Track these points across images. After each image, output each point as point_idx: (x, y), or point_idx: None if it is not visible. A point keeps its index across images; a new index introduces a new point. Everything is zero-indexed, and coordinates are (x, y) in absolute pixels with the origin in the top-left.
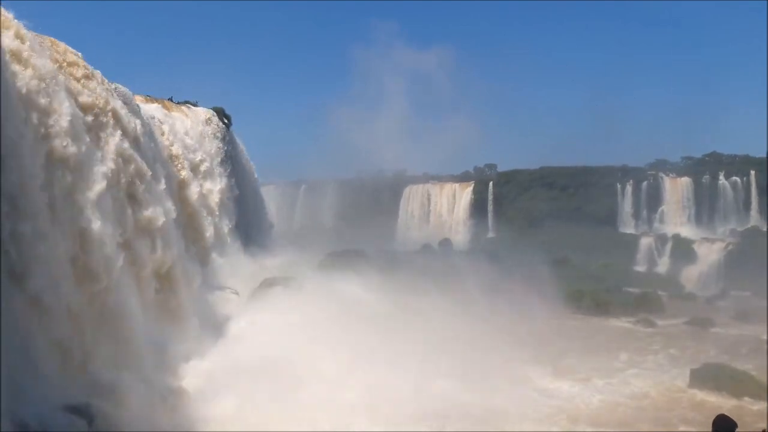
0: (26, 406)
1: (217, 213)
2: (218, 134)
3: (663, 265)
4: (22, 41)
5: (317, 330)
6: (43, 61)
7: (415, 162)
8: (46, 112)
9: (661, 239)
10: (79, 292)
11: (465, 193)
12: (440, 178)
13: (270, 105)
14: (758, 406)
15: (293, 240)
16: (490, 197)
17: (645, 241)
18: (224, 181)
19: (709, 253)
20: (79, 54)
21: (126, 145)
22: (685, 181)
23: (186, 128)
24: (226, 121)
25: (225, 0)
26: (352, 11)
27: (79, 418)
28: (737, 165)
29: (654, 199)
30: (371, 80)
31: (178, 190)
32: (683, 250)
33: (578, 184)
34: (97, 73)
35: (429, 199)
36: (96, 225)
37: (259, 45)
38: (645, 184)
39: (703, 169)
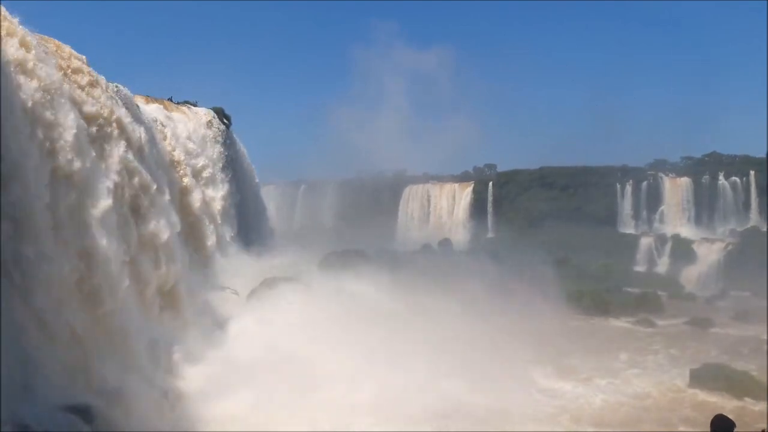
0: (26, 406)
1: (220, 221)
2: (219, 138)
3: (663, 265)
4: (28, 50)
5: (319, 330)
6: (48, 70)
7: (415, 162)
8: (51, 126)
9: (661, 239)
10: (84, 314)
11: (465, 194)
12: (440, 178)
13: (270, 105)
14: (758, 406)
15: (293, 240)
16: (490, 197)
17: (645, 241)
18: (226, 187)
19: (709, 253)
20: (84, 58)
21: (130, 156)
22: (685, 181)
23: (188, 132)
24: (226, 121)
25: (225, 0)
26: (352, 11)
27: (79, 418)
28: (737, 165)
29: (654, 199)
30: (371, 80)
31: (180, 198)
32: (683, 251)
33: (578, 184)
34: (101, 79)
35: (429, 200)
36: (101, 244)
37: (259, 45)
38: (645, 184)
39: (703, 169)
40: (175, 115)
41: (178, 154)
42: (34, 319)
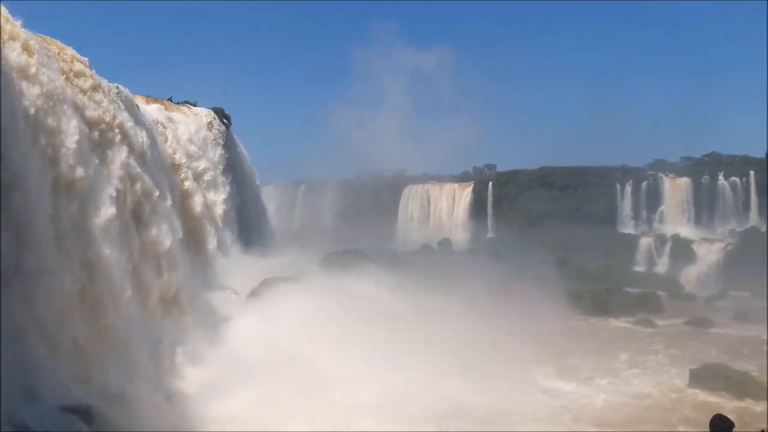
0: (26, 407)
1: (221, 224)
2: (220, 140)
3: (662, 266)
4: (30, 54)
5: (319, 330)
6: (50, 75)
7: (415, 162)
8: (53, 134)
9: (661, 239)
10: (87, 325)
11: (465, 194)
12: (440, 179)
13: (270, 105)
14: (758, 406)
15: (293, 240)
16: (490, 197)
17: (644, 242)
18: (227, 189)
19: (709, 253)
20: (86, 60)
21: (132, 161)
22: (685, 181)
23: (189, 133)
24: (225, 121)
25: (225, 0)
26: (352, 11)
27: (79, 418)
28: (737, 165)
29: (653, 200)
30: (371, 80)
31: (181, 202)
32: (683, 251)
33: (578, 184)
34: (104, 82)
35: (429, 200)
36: (104, 254)
37: (259, 45)
38: (644, 184)
39: (703, 169)
40: (176, 116)
41: (179, 157)
42: (37, 327)
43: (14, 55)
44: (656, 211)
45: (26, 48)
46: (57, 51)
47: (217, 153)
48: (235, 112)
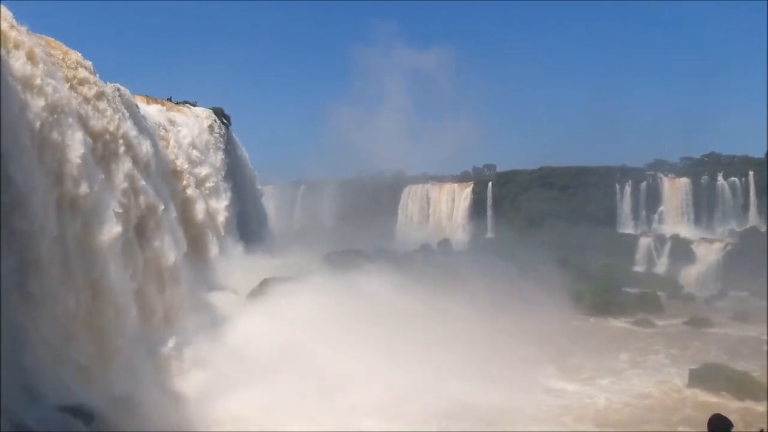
0: (26, 407)
1: (223, 232)
2: (221, 144)
3: (662, 266)
4: (35, 64)
5: (320, 330)
6: (55, 85)
7: (415, 162)
8: (58, 149)
9: (660, 239)
10: (92, 350)
11: (464, 194)
12: (440, 179)
13: (270, 105)
14: (757, 406)
15: (293, 240)
16: (490, 197)
17: (644, 242)
18: (229, 195)
19: (708, 253)
20: (90, 65)
21: (136, 173)
22: (684, 181)
23: (192, 137)
24: (225, 121)
25: (225, 0)
26: (352, 11)
27: (79, 419)
28: (736, 165)
29: (653, 200)
30: (371, 80)
31: (182, 210)
32: (682, 251)
33: (577, 184)
34: (107, 89)
35: (428, 200)
36: (108, 274)
37: (259, 45)
38: (644, 184)
39: (702, 169)
40: (177, 117)
41: (181, 163)
42: (41, 343)
43: (19, 65)
44: (656, 212)
45: (31, 57)
46: (61, 56)
47: (218, 158)
48: (235, 112)
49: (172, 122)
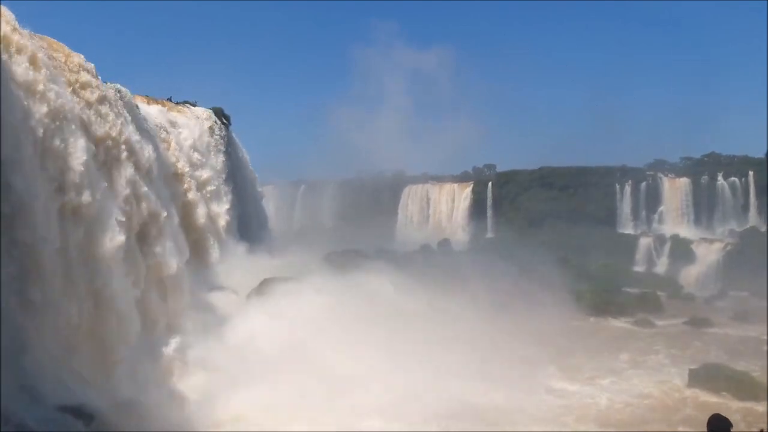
0: (27, 407)
1: (224, 236)
2: (221, 146)
3: (662, 266)
4: (37, 69)
5: (320, 330)
6: (57, 90)
7: (415, 162)
8: (60, 157)
9: (660, 240)
10: (95, 362)
11: (464, 194)
12: (439, 179)
13: (270, 105)
14: (757, 406)
15: (293, 240)
16: (490, 197)
17: (644, 242)
18: (229, 198)
19: (708, 253)
20: (92, 67)
21: (139, 179)
22: (684, 181)
23: (193, 139)
24: (225, 121)
25: (225, 0)
26: (352, 11)
27: (78, 418)
28: (736, 165)
29: (653, 200)
30: (371, 80)
31: (183, 214)
32: (682, 251)
33: (577, 184)
34: (110, 92)
35: (428, 200)
36: (111, 284)
37: (259, 45)
38: (644, 184)
39: (702, 169)
40: (178, 119)
41: (182, 166)
42: (43, 353)
43: (21, 70)
44: (656, 212)
45: (33, 62)
46: (63, 59)
47: (219, 160)
48: (235, 112)
49: (172, 124)
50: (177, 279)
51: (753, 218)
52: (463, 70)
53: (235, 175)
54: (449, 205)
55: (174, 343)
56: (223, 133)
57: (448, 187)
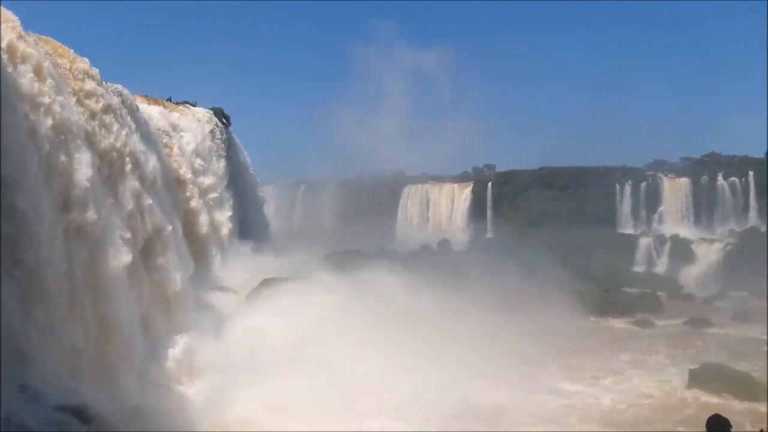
0: (26, 406)
1: (227, 244)
2: (223, 151)
3: (662, 266)
4: (42, 79)
5: (320, 330)
6: (63, 101)
7: (415, 162)
8: (65, 173)
9: (660, 240)
10: (98, 388)
11: (464, 194)
12: (439, 179)
13: (270, 105)
14: (757, 406)
15: (293, 240)
16: (489, 197)
17: (644, 242)
18: (231, 203)
19: (708, 253)
20: (97, 73)
21: (143, 191)
22: (684, 181)
23: (196, 143)
24: (225, 121)
25: (225, 0)
26: (352, 11)
27: (78, 418)
28: (736, 165)
29: (653, 200)
30: (371, 80)
31: (185, 224)
32: (682, 251)
33: (577, 184)
34: (114, 100)
35: (428, 200)
36: (115, 304)
37: (259, 45)
38: (644, 184)
39: (702, 169)
40: (180, 122)
41: (185, 172)
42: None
43: (26, 82)
44: (656, 212)
45: (38, 72)
46: (68, 66)
47: (221, 165)
48: (235, 112)
49: (174, 127)
50: (182, 294)
51: (753, 218)
52: (463, 70)
53: (236, 179)
54: (449, 206)
55: (178, 345)
56: (224, 136)
57: (448, 187)
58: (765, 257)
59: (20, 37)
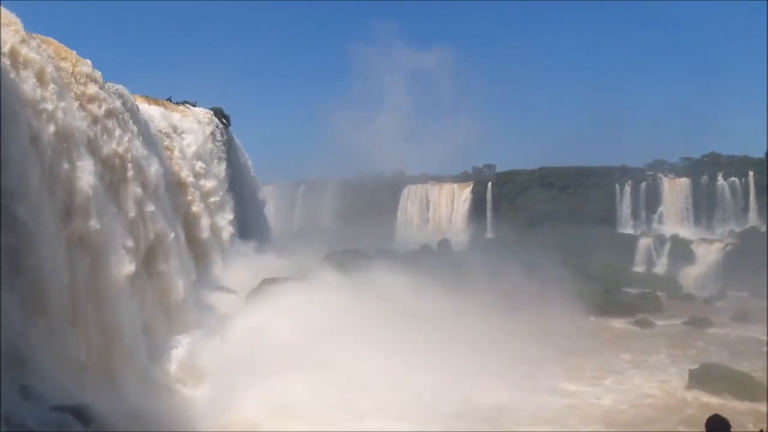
0: (26, 406)
1: (228, 248)
2: (223, 154)
3: (662, 266)
4: (45, 85)
5: (321, 330)
6: (65, 108)
7: (415, 162)
8: (68, 181)
9: (660, 240)
10: (100, 396)
11: (464, 194)
12: (439, 179)
13: (270, 105)
14: (757, 406)
15: (292, 240)
16: (489, 198)
17: (644, 242)
18: (231, 205)
19: (708, 253)
20: (99, 76)
21: (145, 198)
22: (684, 181)
23: (197, 146)
24: (225, 121)
25: (225, 0)
26: (352, 11)
27: (78, 418)
28: (736, 165)
29: (653, 200)
30: (371, 80)
31: (186, 229)
32: (682, 251)
33: (577, 184)
34: (117, 104)
35: (428, 200)
36: (119, 317)
37: (259, 45)
38: (644, 184)
39: (702, 169)
40: (181, 124)
41: (186, 175)
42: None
43: (28, 87)
44: (655, 212)
45: (41, 78)
46: (71, 68)
47: (222, 168)
48: (235, 112)
49: (175, 129)
50: (184, 303)
51: (753, 218)
52: (463, 70)
53: (237, 182)
54: (449, 206)
55: (179, 347)
56: (225, 137)
57: (448, 188)
58: (765, 257)
59: (23, 41)
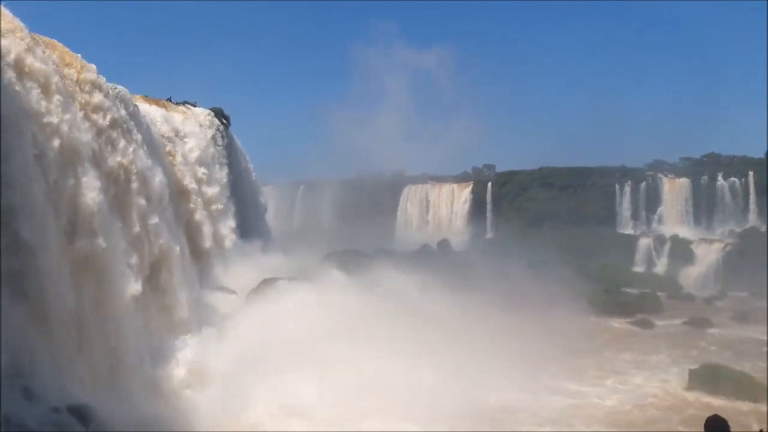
0: (26, 406)
1: (230, 255)
2: (225, 159)
3: (661, 266)
4: (50, 96)
5: (321, 330)
6: (70, 120)
7: (414, 162)
8: (72, 198)
9: (660, 240)
10: (104, 404)
11: (464, 194)
12: (439, 179)
13: (270, 105)
14: (757, 406)
15: (292, 240)
16: (489, 198)
17: (643, 242)
18: (233, 209)
19: (708, 253)
20: (103, 81)
21: (150, 211)
22: (684, 181)
23: (199, 150)
24: (225, 121)
25: (225, 0)
26: (352, 11)
27: (78, 418)
28: (736, 166)
29: (652, 200)
30: (371, 80)
31: (188, 237)
32: (682, 251)
33: (577, 184)
34: (121, 112)
35: (428, 200)
36: (124, 341)
37: (259, 45)
38: (643, 184)
39: (702, 169)
40: (183, 126)
41: (188, 182)
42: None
43: (33, 99)
44: (655, 212)
45: (46, 89)
46: (76, 76)
47: (224, 174)
48: (235, 112)
49: (177, 133)
50: (188, 322)
51: (753, 218)
52: (463, 70)
53: (238, 187)
54: (449, 206)
55: (182, 349)
56: (226, 140)
57: (448, 188)
58: (765, 257)
59: (28, 49)
